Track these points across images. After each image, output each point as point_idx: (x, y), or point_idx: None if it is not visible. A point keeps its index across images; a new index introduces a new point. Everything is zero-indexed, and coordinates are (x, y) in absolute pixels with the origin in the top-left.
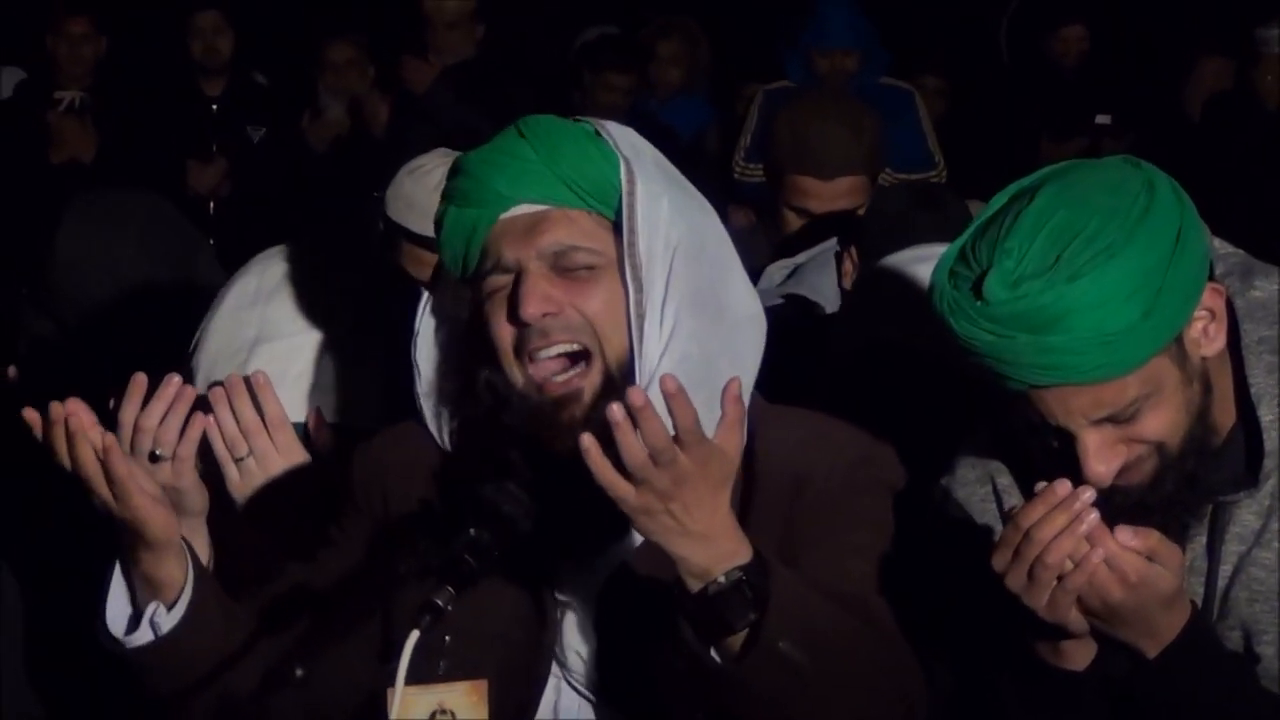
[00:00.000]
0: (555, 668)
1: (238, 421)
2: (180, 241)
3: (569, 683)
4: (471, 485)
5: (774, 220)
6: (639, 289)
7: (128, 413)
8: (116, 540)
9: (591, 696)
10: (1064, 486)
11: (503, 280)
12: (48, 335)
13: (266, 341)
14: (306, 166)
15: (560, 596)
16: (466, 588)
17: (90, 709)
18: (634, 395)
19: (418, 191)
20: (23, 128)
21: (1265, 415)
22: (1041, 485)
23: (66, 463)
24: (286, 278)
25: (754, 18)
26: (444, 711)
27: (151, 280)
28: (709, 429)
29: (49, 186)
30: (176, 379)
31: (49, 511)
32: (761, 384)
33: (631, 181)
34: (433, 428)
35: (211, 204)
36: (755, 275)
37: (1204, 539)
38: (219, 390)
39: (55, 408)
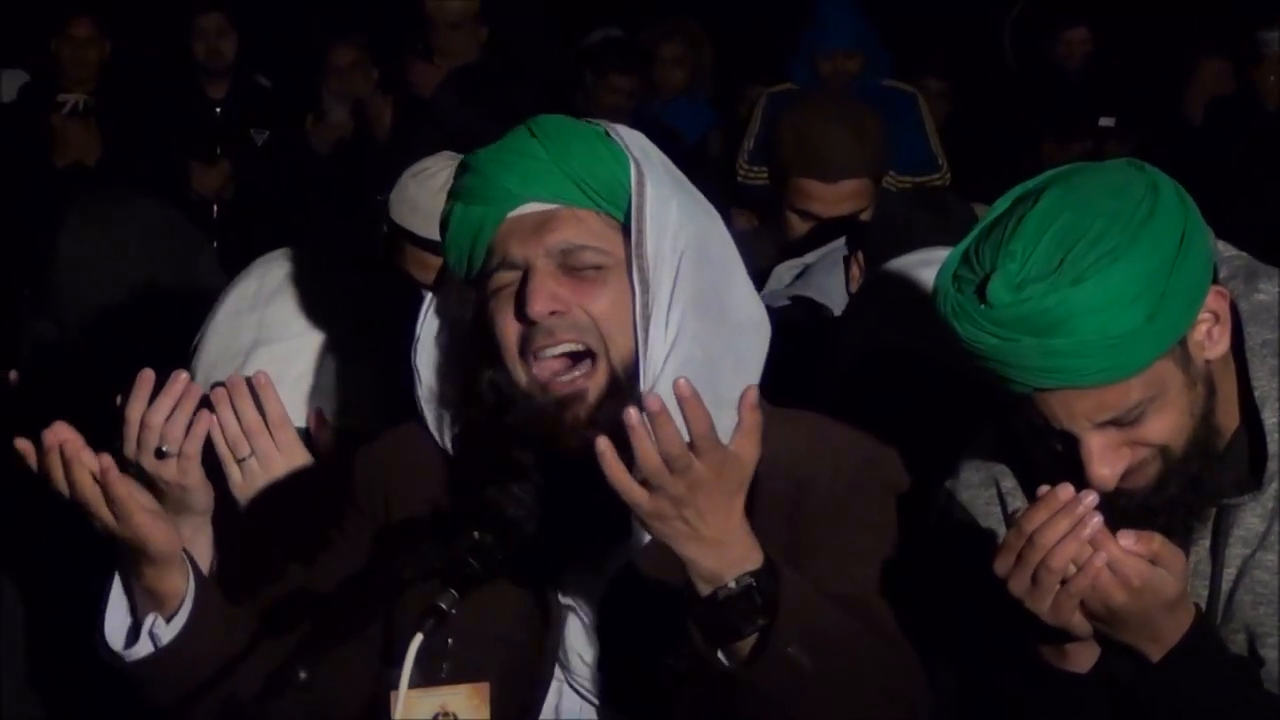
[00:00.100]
0: (557, 670)
1: (240, 422)
2: (182, 243)
3: (571, 685)
4: (475, 488)
5: (777, 223)
6: (645, 290)
7: (134, 409)
8: (117, 555)
9: (594, 699)
10: (1067, 491)
11: (509, 277)
12: (49, 338)
13: (265, 344)
14: (310, 169)
15: (563, 598)
16: (470, 591)
17: (91, 711)
18: (650, 401)
19: (421, 195)
20: (27, 130)
21: (1269, 418)
22: (1044, 489)
23: (64, 489)
24: (286, 281)
25: (757, 20)
26: (446, 714)
27: (153, 282)
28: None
29: (53, 189)
30: (184, 375)
31: (47, 515)
32: (767, 386)
33: (641, 183)
34: (434, 431)
35: (215, 206)
36: (758, 279)
37: (1207, 542)
38: (221, 390)
39: (48, 435)
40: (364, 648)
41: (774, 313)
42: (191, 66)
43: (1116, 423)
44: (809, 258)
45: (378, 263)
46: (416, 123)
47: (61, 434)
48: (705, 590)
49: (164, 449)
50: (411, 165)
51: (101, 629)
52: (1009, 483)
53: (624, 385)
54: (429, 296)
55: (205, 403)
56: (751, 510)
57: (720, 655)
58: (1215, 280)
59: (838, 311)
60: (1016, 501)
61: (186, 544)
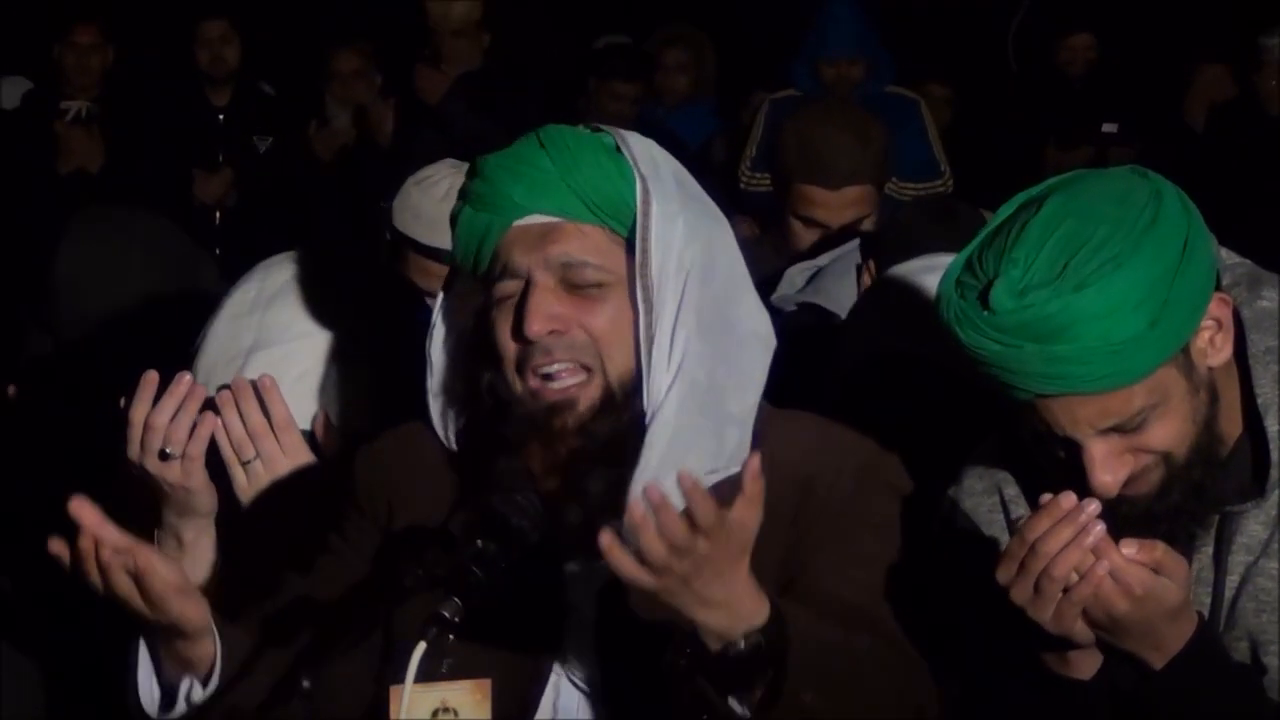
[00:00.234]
0: (556, 666)
1: (245, 424)
2: (183, 257)
3: (570, 681)
4: (478, 493)
5: (780, 230)
6: (649, 311)
7: (138, 411)
8: (145, 627)
9: (590, 694)
10: (1069, 499)
11: (512, 287)
12: (48, 353)
13: (264, 347)
14: (312, 176)
15: (562, 595)
16: (473, 600)
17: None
18: (651, 493)
19: (425, 202)
20: (30, 137)
21: (1272, 425)
22: (1047, 497)
23: (99, 587)
24: (286, 284)
25: (760, 26)
26: (447, 710)
27: (154, 299)
28: (715, 458)
29: (56, 196)
30: (187, 378)
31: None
32: (773, 391)
33: (647, 202)
34: (438, 426)
35: (217, 214)
36: (761, 286)
37: (1210, 549)
38: (226, 393)
39: (84, 542)
40: (367, 656)
41: (783, 317)
42: (194, 73)
43: (1119, 429)
44: (821, 260)
45: (378, 266)
46: (421, 129)
47: (87, 519)
48: (715, 647)
49: (167, 451)
50: (415, 172)
51: (134, 693)
52: (1012, 490)
53: (619, 402)
54: (441, 291)
55: (209, 405)
56: None
57: (732, 701)
58: (1218, 287)
59: None
60: (1019, 509)
61: (189, 547)
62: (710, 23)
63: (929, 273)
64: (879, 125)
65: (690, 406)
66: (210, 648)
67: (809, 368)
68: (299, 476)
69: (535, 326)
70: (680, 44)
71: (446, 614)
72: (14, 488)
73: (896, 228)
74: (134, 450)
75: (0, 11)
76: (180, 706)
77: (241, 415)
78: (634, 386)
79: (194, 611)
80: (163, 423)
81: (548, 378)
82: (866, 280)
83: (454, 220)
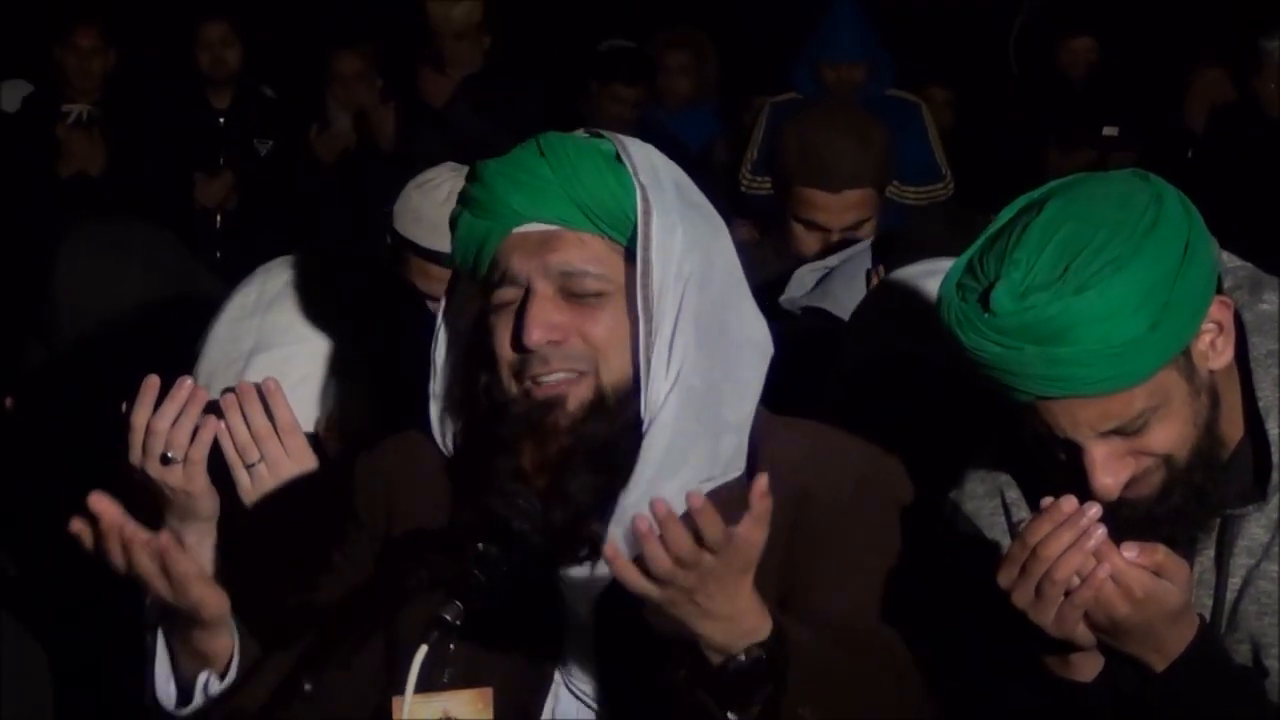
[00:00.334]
0: (555, 673)
1: (249, 427)
2: (181, 270)
3: (569, 688)
4: (478, 497)
5: (781, 233)
6: (649, 320)
7: (140, 415)
8: (163, 619)
9: (592, 703)
10: (1070, 502)
11: (510, 294)
12: (44, 365)
13: (264, 350)
14: (313, 179)
15: (561, 602)
16: (475, 602)
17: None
18: (657, 507)
19: (426, 206)
20: (31, 141)
21: (1273, 429)
22: (1048, 501)
23: (121, 567)
24: (287, 287)
25: (762, 29)
26: (449, 719)
27: (152, 310)
28: (711, 465)
29: (57, 200)
30: (189, 382)
31: (45, 539)
32: (774, 397)
33: (648, 213)
34: (436, 431)
35: (218, 217)
36: (763, 290)
37: (1212, 552)
38: (230, 396)
39: (108, 517)
40: (369, 658)
41: (789, 321)
42: (195, 76)
43: (1120, 432)
44: (831, 260)
45: (378, 268)
46: (424, 132)
47: (108, 511)
48: (716, 660)
49: (169, 455)
50: (416, 176)
51: (151, 686)
52: (1013, 493)
53: (611, 405)
54: (446, 293)
55: (212, 409)
56: None
57: (731, 716)
58: (1220, 290)
59: None
60: (1021, 512)
61: (191, 551)
62: (712, 25)
63: (930, 276)
64: (880, 128)
65: (687, 414)
66: (228, 641)
67: (814, 372)
68: (303, 480)
69: (535, 336)
70: (682, 46)
71: (448, 617)
72: (15, 493)
73: (908, 233)
74: (135, 455)
75: (1, 14)
76: (197, 700)
77: (246, 418)
78: (628, 392)
79: (214, 599)
80: (164, 427)
81: (542, 383)
82: (875, 285)
83: (453, 224)
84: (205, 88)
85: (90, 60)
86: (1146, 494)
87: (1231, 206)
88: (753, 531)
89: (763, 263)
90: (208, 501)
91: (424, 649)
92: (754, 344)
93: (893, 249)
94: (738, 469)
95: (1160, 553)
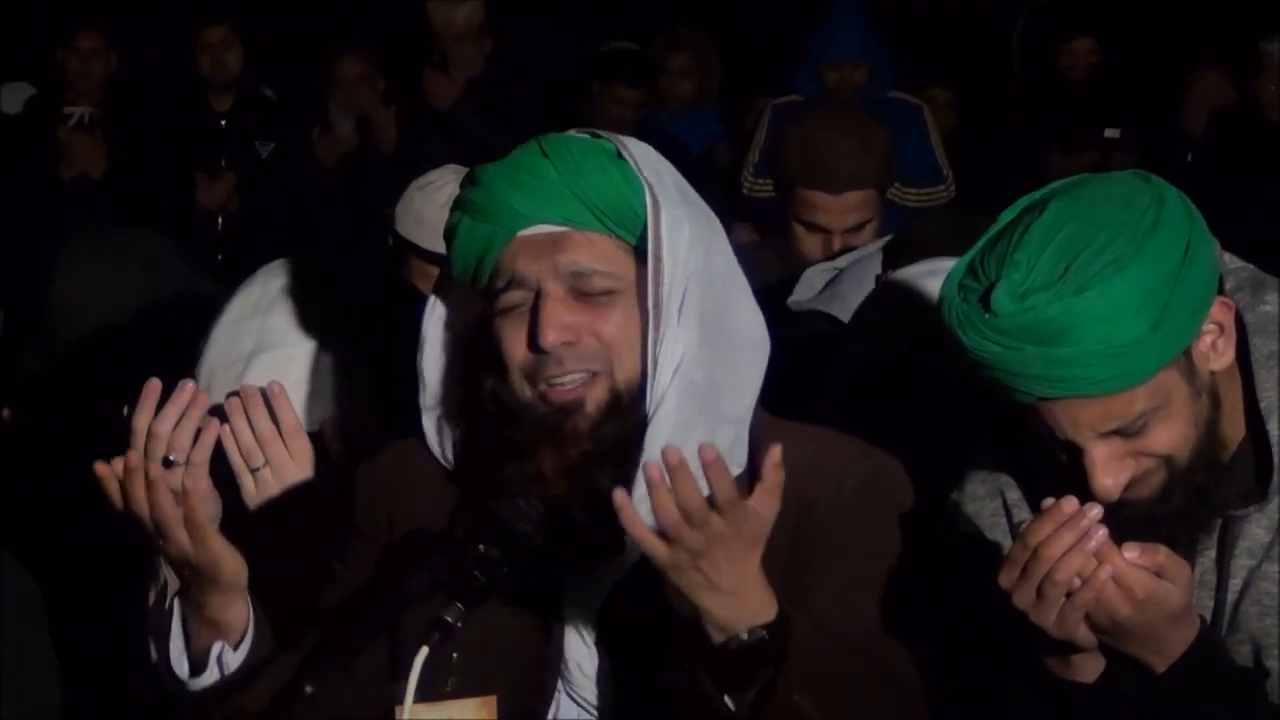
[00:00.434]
0: (557, 681)
1: (254, 431)
2: (181, 278)
3: (570, 695)
4: (479, 501)
5: (782, 235)
6: (658, 315)
7: (142, 418)
8: (182, 586)
9: (593, 710)
10: (1071, 504)
11: (519, 297)
12: (44, 373)
13: (265, 351)
14: (315, 181)
15: (564, 609)
16: (476, 605)
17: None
18: (670, 454)
19: (427, 208)
20: (33, 143)
21: (1274, 430)
22: (1049, 502)
23: (144, 511)
24: (288, 288)
25: (763, 31)
26: None
27: (152, 318)
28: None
29: (58, 202)
30: (190, 385)
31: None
32: (775, 398)
33: (657, 210)
34: (434, 442)
35: (220, 219)
36: (762, 294)
37: (1213, 553)
38: (235, 400)
39: (132, 455)
40: (370, 661)
41: (791, 322)
42: (196, 79)
43: (1121, 433)
44: (841, 261)
45: (379, 270)
46: (428, 133)
47: (135, 454)
48: (718, 639)
49: (171, 458)
50: (417, 178)
51: (165, 657)
52: (1014, 494)
53: (625, 404)
54: (431, 300)
55: (217, 412)
56: None
57: (727, 698)
58: (1221, 291)
59: None
60: (1022, 513)
61: None
62: (713, 27)
63: (931, 276)
64: (881, 129)
65: (687, 406)
66: (243, 610)
67: (814, 374)
68: (307, 483)
69: (550, 337)
70: (684, 49)
71: (449, 618)
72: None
73: (919, 238)
74: (137, 458)
75: (3, 17)
76: (212, 671)
77: (250, 422)
78: (639, 390)
79: (232, 559)
80: (166, 430)
81: (557, 385)
82: None
83: (451, 232)
84: (206, 90)
85: (92, 63)
86: (1147, 495)
87: (1232, 208)
88: (764, 502)
89: (763, 265)
90: (210, 504)
91: (425, 650)
92: (752, 340)
93: (904, 253)
94: (739, 464)
95: (1161, 554)
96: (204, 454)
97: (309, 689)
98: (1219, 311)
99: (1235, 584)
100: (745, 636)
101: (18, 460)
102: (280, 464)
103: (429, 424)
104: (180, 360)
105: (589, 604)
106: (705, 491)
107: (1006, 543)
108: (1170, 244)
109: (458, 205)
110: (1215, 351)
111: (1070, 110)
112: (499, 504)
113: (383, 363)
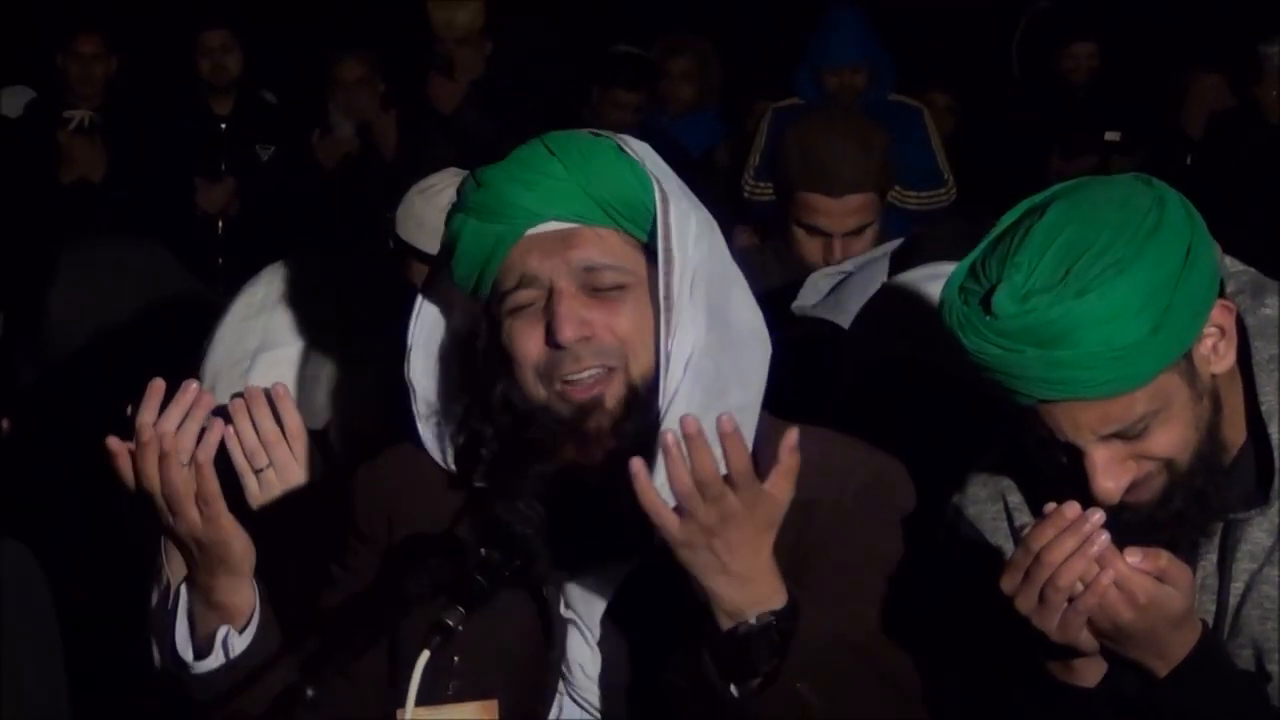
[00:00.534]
0: (559, 683)
1: (258, 432)
2: (179, 290)
3: (572, 697)
4: (481, 505)
5: (783, 238)
6: (670, 309)
7: (145, 418)
8: (190, 570)
9: (595, 712)
10: (1073, 509)
11: (530, 296)
12: (42, 387)
13: (270, 349)
14: (315, 185)
15: (566, 611)
16: (477, 607)
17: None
18: (687, 424)
19: (428, 211)
20: (32, 146)
21: (1275, 433)
22: (1051, 506)
23: (155, 485)
24: (292, 288)
25: (764, 35)
26: None
27: (149, 331)
28: (716, 449)
29: (58, 206)
30: (194, 385)
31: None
32: (778, 401)
33: (666, 203)
34: (434, 449)
35: (220, 223)
36: (760, 298)
37: (1214, 557)
38: (239, 401)
39: (144, 428)
40: (371, 665)
41: (792, 326)
42: (196, 83)
43: (1121, 436)
44: (848, 265)
45: (382, 269)
46: (431, 137)
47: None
48: (726, 624)
49: None
50: (417, 181)
51: (170, 641)
52: (1016, 497)
53: (642, 399)
54: (417, 309)
55: (218, 413)
56: None
57: (731, 686)
58: (1222, 294)
59: None
60: (1023, 516)
61: None
62: (714, 31)
63: (932, 280)
64: (881, 133)
65: (699, 396)
66: (250, 596)
67: (815, 378)
68: (311, 484)
69: (568, 332)
70: (685, 52)
71: (450, 622)
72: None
73: (927, 245)
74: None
75: (3, 20)
76: (217, 655)
77: (254, 422)
78: (653, 384)
79: (241, 540)
80: (169, 430)
81: (574, 382)
82: None
83: (455, 238)
84: (206, 94)
85: (92, 66)
86: (1147, 498)
87: (1232, 211)
88: (780, 485)
89: (763, 268)
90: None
91: (426, 654)
92: (754, 333)
93: (912, 260)
94: None
95: (1164, 558)
96: (208, 453)
97: (310, 692)
98: (1220, 314)
99: (1237, 588)
100: (753, 622)
101: (19, 466)
102: (284, 465)
103: (426, 431)
104: (180, 371)
105: (593, 604)
106: (722, 467)
107: (1008, 546)
108: (1171, 247)
109: (459, 209)
110: (1216, 354)
111: (1071, 113)
112: (499, 507)
113: (387, 361)
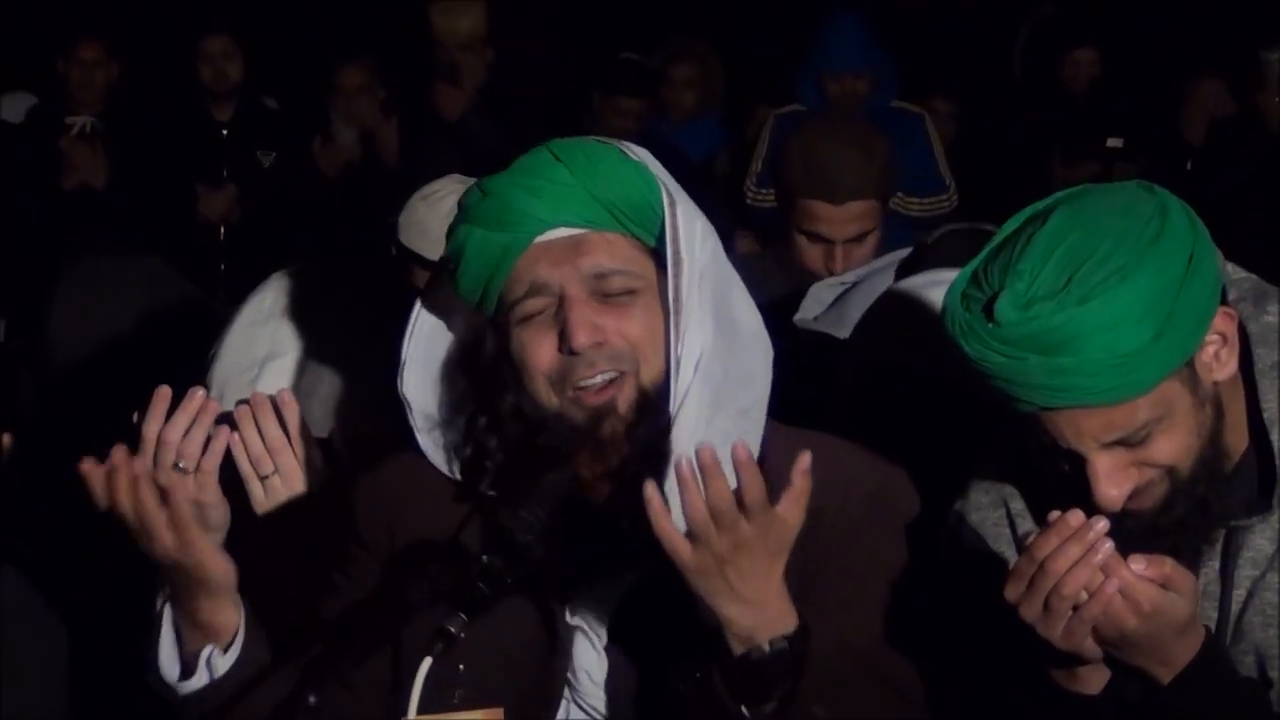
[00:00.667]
0: (565, 689)
1: (263, 439)
2: (181, 305)
3: (578, 704)
4: (483, 512)
5: (784, 245)
6: (679, 313)
7: (151, 426)
8: (169, 590)
9: (600, 716)
10: (1077, 517)
11: (541, 304)
12: (43, 403)
13: (278, 356)
14: (317, 192)
15: (572, 618)
16: (479, 614)
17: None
18: (703, 454)
19: (431, 218)
20: (34, 153)
21: (1277, 440)
22: (1055, 514)
23: (128, 512)
24: (299, 295)
25: (766, 42)
26: None
27: (151, 348)
28: (725, 452)
29: (60, 212)
30: (200, 393)
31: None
32: (779, 408)
33: (673, 206)
34: (439, 460)
35: (222, 230)
36: (761, 307)
37: (1217, 564)
38: (245, 408)
39: (117, 454)
40: (373, 671)
41: (799, 339)
42: (198, 89)
43: (1124, 443)
44: (850, 276)
45: (387, 276)
46: (436, 144)
47: (120, 453)
48: (739, 650)
49: (180, 465)
50: (420, 188)
51: (155, 661)
52: (1018, 504)
53: (653, 403)
54: (413, 320)
55: (223, 420)
56: None
57: (744, 709)
58: (1224, 302)
59: None
60: (1026, 523)
61: None
62: (716, 38)
63: (934, 287)
64: (883, 140)
65: (709, 399)
66: (234, 615)
67: (816, 385)
68: (316, 492)
69: (581, 338)
70: (687, 59)
71: (452, 629)
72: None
73: (932, 254)
74: (146, 465)
75: (5, 27)
76: (201, 675)
77: (260, 429)
78: (664, 388)
79: (218, 562)
80: (175, 437)
81: (586, 387)
82: None
83: (460, 249)
84: (208, 100)
85: (93, 72)
86: (1150, 505)
87: (1233, 218)
88: (791, 509)
89: (765, 275)
90: (219, 512)
91: (428, 661)
92: (756, 336)
93: (917, 270)
94: None
95: (1168, 565)
96: (213, 462)
97: (312, 700)
98: (1222, 322)
99: (1239, 595)
100: (767, 648)
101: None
102: (290, 472)
103: (426, 442)
104: (183, 382)
105: (600, 610)
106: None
107: (1010, 553)
108: (1173, 254)
109: (463, 221)
110: (1218, 362)
111: (1072, 120)
112: (502, 514)
113: (392, 369)
